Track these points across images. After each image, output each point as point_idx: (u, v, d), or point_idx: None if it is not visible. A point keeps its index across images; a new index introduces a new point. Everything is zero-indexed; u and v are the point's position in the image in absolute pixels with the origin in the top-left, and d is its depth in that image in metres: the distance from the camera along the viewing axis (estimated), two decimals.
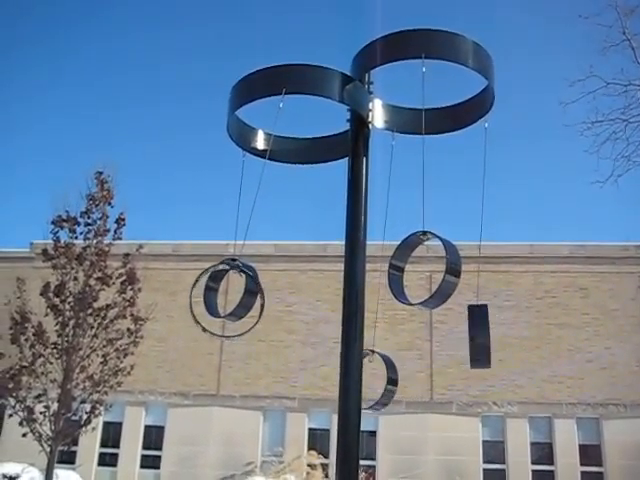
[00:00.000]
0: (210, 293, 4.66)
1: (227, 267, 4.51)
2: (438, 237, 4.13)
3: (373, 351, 5.07)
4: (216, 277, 4.71)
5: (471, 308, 4.51)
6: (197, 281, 4.55)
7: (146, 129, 46.71)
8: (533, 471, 20.12)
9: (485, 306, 4.46)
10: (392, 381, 5.11)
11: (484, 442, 20.64)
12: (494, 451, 20.51)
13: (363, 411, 4.45)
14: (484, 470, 20.27)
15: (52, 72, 46.28)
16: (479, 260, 19.89)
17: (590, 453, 20.13)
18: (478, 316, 4.44)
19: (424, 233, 4.22)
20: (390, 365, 5.11)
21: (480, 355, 4.35)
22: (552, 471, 20.06)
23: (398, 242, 4.44)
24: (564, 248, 22.14)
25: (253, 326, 4.52)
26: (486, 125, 4.85)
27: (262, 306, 4.53)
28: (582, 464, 19.99)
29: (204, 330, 4.50)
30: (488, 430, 20.79)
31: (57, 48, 46.17)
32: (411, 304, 4.21)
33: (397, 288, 4.32)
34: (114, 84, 45.96)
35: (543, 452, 20.44)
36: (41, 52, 45.10)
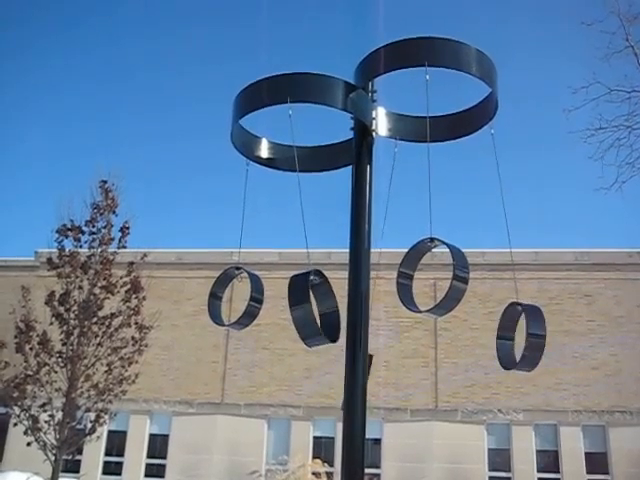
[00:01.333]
0: (215, 301, 4.66)
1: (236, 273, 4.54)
2: (445, 244, 4.11)
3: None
4: (221, 285, 4.71)
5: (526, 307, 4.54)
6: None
7: (150, 135, 46.85)
8: (539, 479, 20.03)
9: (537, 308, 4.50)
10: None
11: (489, 450, 20.55)
12: (499, 459, 20.42)
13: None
14: (490, 478, 20.17)
15: (55, 78, 46.42)
16: (484, 267, 19.87)
17: (596, 461, 20.02)
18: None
19: (432, 240, 4.21)
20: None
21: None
22: (558, 479, 19.96)
23: (405, 249, 4.44)
24: (569, 255, 22.11)
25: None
26: (492, 132, 4.85)
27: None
28: (588, 472, 19.88)
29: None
30: (493, 438, 20.70)
31: (59, 53, 46.35)
32: (420, 312, 4.20)
33: (406, 296, 4.30)
34: (118, 90, 46.11)
35: (549, 460, 20.34)
36: (43, 58, 45.25)
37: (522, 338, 4.49)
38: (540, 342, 4.11)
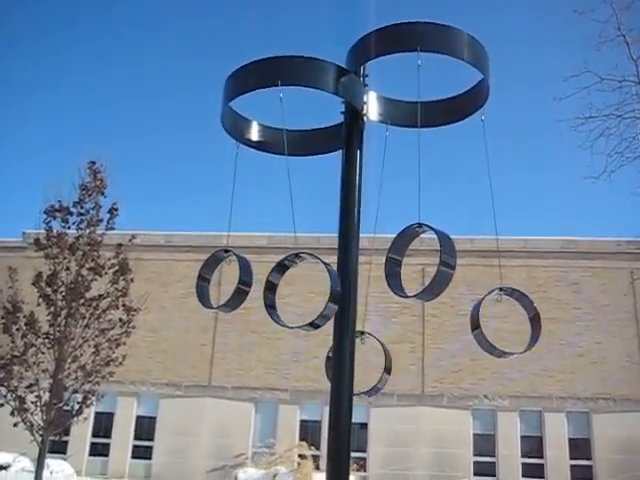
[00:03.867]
0: (203, 284, 4.65)
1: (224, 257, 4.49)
2: (433, 229, 4.12)
3: (363, 332, 4.99)
4: (209, 268, 4.69)
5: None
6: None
7: (139, 121, 46.58)
8: (523, 464, 20.25)
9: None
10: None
11: (475, 435, 20.74)
12: (485, 444, 20.62)
13: (356, 398, 4.46)
14: (474, 463, 20.38)
15: (46, 66, 46.11)
16: (471, 254, 19.94)
17: (580, 447, 20.26)
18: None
19: (420, 225, 4.22)
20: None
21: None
22: (542, 464, 20.19)
23: (393, 235, 4.44)
24: (556, 243, 22.22)
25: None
26: (483, 118, 4.84)
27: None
28: (572, 457, 20.13)
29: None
30: (479, 423, 20.89)
31: (51, 43, 45.98)
32: (408, 297, 4.21)
33: (394, 281, 4.31)
34: (107, 78, 45.81)
35: (533, 445, 20.56)
36: (35, 48, 44.88)
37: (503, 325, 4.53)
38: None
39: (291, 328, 4.45)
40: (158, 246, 22.99)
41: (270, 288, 4.47)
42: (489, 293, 4.70)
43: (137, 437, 21.86)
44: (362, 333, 4.99)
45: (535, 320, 4.92)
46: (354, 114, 4.77)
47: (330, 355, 4.83)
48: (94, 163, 15.60)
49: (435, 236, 4.08)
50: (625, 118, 11.45)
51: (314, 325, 4.36)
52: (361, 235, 4.68)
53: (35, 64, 45.68)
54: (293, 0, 46.34)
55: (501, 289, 4.77)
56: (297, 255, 4.43)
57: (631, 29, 11.23)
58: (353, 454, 17.63)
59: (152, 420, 21.91)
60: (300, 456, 19.78)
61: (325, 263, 4.29)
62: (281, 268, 4.49)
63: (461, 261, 4.37)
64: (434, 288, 4.09)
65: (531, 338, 4.90)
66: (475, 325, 4.72)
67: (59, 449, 20.05)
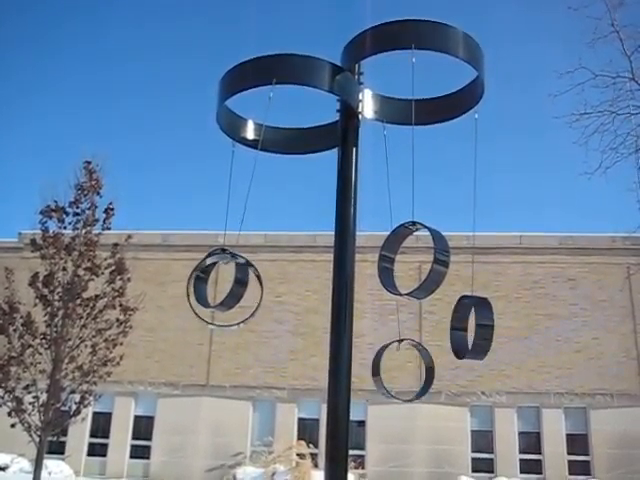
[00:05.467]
0: (200, 283, 4.64)
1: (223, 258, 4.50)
2: (427, 227, 4.13)
3: (401, 340, 5.01)
4: (206, 268, 4.69)
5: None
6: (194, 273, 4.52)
7: (136, 121, 46.52)
8: (521, 460, 20.30)
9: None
10: (429, 370, 5.15)
11: (473, 431, 20.78)
12: (482, 440, 20.66)
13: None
14: (472, 459, 20.42)
15: (42, 67, 46.03)
16: (467, 251, 19.98)
17: (577, 442, 20.32)
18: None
19: (413, 223, 4.23)
20: (424, 352, 5.14)
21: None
22: (540, 460, 20.24)
23: (388, 233, 4.45)
24: (553, 239, 22.26)
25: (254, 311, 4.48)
26: (476, 116, 4.85)
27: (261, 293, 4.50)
28: (569, 453, 20.18)
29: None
30: (476, 420, 20.93)
31: (47, 44, 45.91)
32: (400, 294, 4.22)
33: (387, 279, 4.32)
34: (103, 78, 45.74)
35: (531, 441, 20.61)
36: (31, 49, 44.79)
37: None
38: (488, 332, 4.20)
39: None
40: (155, 246, 22.97)
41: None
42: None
43: (135, 437, 21.86)
44: (400, 341, 5.03)
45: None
46: (350, 112, 4.77)
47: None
48: (90, 163, 15.58)
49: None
50: (619, 114, 11.47)
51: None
52: (357, 233, 4.68)
53: (31, 65, 45.62)
54: None
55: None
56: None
57: (625, 25, 11.26)
58: (351, 452, 17.62)
59: (150, 420, 21.90)
60: (298, 455, 19.79)
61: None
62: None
63: (457, 258, 4.39)
64: (428, 286, 4.10)
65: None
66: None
67: (57, 450, 20.03)
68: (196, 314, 4.49)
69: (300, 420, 21.31)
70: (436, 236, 4.08)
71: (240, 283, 4.50)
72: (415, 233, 4.36)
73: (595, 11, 11.20)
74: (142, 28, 46.28)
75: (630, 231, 14.30)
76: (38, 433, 14.10)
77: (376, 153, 4.82)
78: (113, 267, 15.26)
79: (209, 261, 4.53)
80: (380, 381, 4.88)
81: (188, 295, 4.46)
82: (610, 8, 11.12)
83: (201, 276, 4.64)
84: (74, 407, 14.82)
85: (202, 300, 4.62)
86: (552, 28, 39.43)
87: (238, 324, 4.65)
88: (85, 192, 15.36)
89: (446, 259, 4.09)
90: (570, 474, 19.91)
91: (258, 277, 4.43)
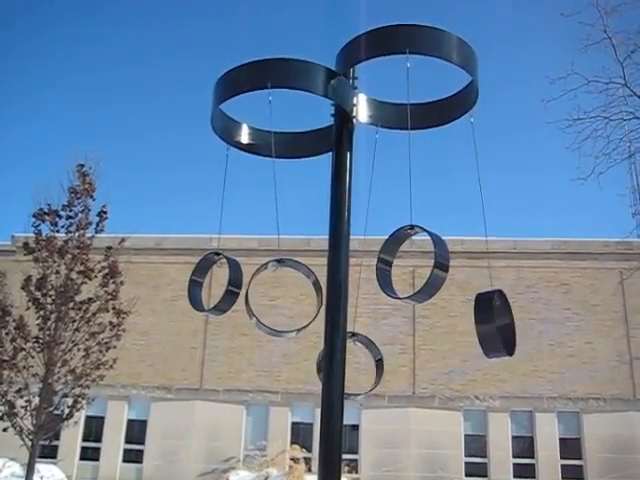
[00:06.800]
0: (195, 287, 4.65)
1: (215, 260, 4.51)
2: (427, 231, 4.12)
3: (354, 334, 5.05)
4: (201, 271, 4.70)
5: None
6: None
7: (129, 123, 46.46)
8: (514, 464, 20.30)
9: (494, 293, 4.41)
10: (379, 362, 5.15)
11: (466, 436, 20.78)
12: (476, 445, 20.67)
13: (347, 402, 4.50)
14: (466, 463, 20.42)
15: (35, 70, 45.98)
16: (462, 255, 19.98)
17: (570, 446, 20.34)
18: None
19: (412, 227, 4.23)
20: (371, 346, 5.14)
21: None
22: (533, 464, 20.25)
23: (384, 236, 4.45)
24: (546, 244, 22.32)
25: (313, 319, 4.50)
26: (472, 120, 4.86)
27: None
28: (562, 457, 20.20)
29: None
30: (470, 424, 20.93)
31: (39, 48, 45.84)
32: (399, 298, 4.22)
33: (385, 282, 4.32)
34: (96, 81, 45.67)
35: (524, 445, 20.62)
36: (23, 52, 44.71)
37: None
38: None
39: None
40: (148, 249, 22.91)
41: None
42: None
43: (128, 441, 21.77)
44: (354, 335, 5.03)
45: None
46: (344, 116, 4.79)
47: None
48: (83, 166, 15.55)
49: (426, 238, 4.09)
50: (612, 120, 11.52)
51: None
52: (351, 237, 4.69)
53: (23, 68, 45.51)
54: (283, 3, 46.37)
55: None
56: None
57: (617, 32, 11.31)
58: (345, 456, 17.62)
59: (143, 423, 21.82)
60: (292, 459, 19.76)
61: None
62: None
63: (452, 262, 4.39)
64: (428, 290, 4.09)
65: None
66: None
67: (49, 454, 19.92)
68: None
69: (294, 424, 21.27)
70: (436, 240, 4.08)
71: (235, 287, 4.51)
72: (412, 237, 4.37)
73: (588, 18, 11.26)
74: (137, 30, 46.27)
75: (623, 236, 14.36)
76: (30, 437, 14.04)
77: (370, 157, 4.83)
78: (106, 270, 15.23)
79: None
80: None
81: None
82: (603, 15, 11.17)
83: (196, 280, 4.65)
84: (67, 411, 14.77)
85: (197, 303, 4.62)
86: (545, 34, 39.62)
87: (296, 331, 4.66)
88: (78, 195, 15.33)
89: (446, 263, 4.09)
90: (563, 478, 19.92)
91: (315, 284, 4.43)
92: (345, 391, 4.59)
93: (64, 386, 14.62)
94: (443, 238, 4.17)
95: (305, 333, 4.46)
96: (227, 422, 21.22)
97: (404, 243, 4.47)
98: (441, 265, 4.06)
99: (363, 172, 4.87)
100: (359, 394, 5.29)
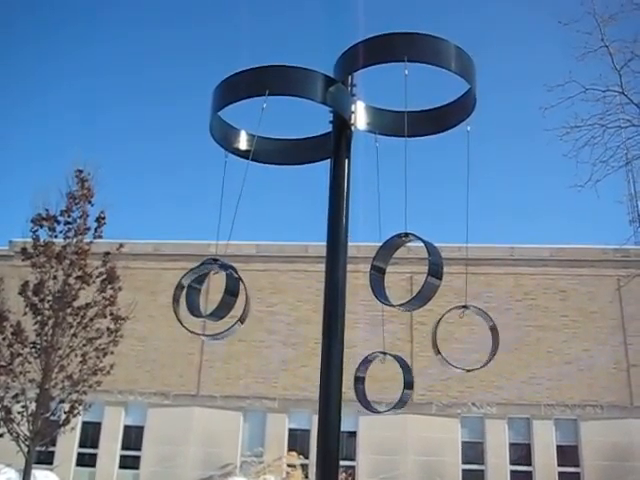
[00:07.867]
0: (192, 293, 4.64)
1: (211, 268, 4.49)
2: (420, 239, 4.13)
3: (385, 352, 5.08)
4: (198, 277, 4.69)
5: None
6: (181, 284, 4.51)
7: (128, 129, 46.50)
8: (512, 471, 20.28)
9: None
10: (408, 384, 5.17)
11: (463, 443, 20.76)
12: (473, 452, 20.64)
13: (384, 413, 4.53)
14: (463, 471, 20.39)
15: (33, 75, 46.01)
16: (459, 262, 19.99)
17: (567, 454, 20.32)
18: None
19: (406, 235, 4.24)
20: (405, 366, 5.17)
21: None
22: (530, 472, 20.23)
23: (380, 243, 4.46)
24: (544, 251, 22.34)
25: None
26: (468, 128, 4.88)
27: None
28: (559, 464, 20.19)
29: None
30: (467, 431, 20.91)
31: (36, 52, 45.90)
32: (392, 305, 4.22)
33: (378, 289, 4.33)
34: (94, 86, 45.73)
35: (521, 453, 20.60)
36: (21, 56, 44.79)
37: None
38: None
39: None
40: (146, 255, 22.91)
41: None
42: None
43: (125, 447, 21.72)
44: (385, 354, 5.06)
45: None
46: (342, 124, 4.80)
47: (359, 375, 5.06)
48: (81, 171, 15.58)
49: (421, 245, 4.10)
50: (609, 127, 11.58)
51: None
52: (349, 243, 4.69)
53: (22, 73, 45.54)
54: (281, 9, 46.48)
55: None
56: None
57: (614, 40, 11.38)
58: (342, 463, 17.59)
59: (140, 430, 21.77)
60: (289, 465, 19.72)
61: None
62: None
63: (449, 269, 4.41)
64: (421, 298, 4.10)
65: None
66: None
67: (46, 459, 19.87)
68: (184, 327, 4.47)
69: (291, 430, 21.24)
70: (430, 248, 4.08)
71: (231, 294, 4.50)
72: (407, 244, 4.37)
73: (585, 26, 11.33)
74: (136, 34, 46.33)
75: (620, 243, 14.40)
76: (27, 443, 14.01)
77: (368, 164, 4.85)
78: (104, 276, 15.24)
79: (196, 272, 4.53)
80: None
81: (174, 305, 4.47)
82: (600, 23, 11.24)
83: (194, 286, 4.64)
84: (63, 417, 14.75)
85: (195, 310, 4.61)
86: (543, 42, 39.77)
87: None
88: (77, 201, 15.36)
89: (440, 271, 4.10)
90: None
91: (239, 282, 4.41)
92: (371, 404, 4.71)
93: (61, 392, 14.61)
94: (436, 245, 4.18)
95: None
96: (224, 428, 21.17)
97: (402, 250, 4.48)
98: (435, 272, 4.07)
99: (361, 179, 4.89)
100: (385, 410, 5.36)
